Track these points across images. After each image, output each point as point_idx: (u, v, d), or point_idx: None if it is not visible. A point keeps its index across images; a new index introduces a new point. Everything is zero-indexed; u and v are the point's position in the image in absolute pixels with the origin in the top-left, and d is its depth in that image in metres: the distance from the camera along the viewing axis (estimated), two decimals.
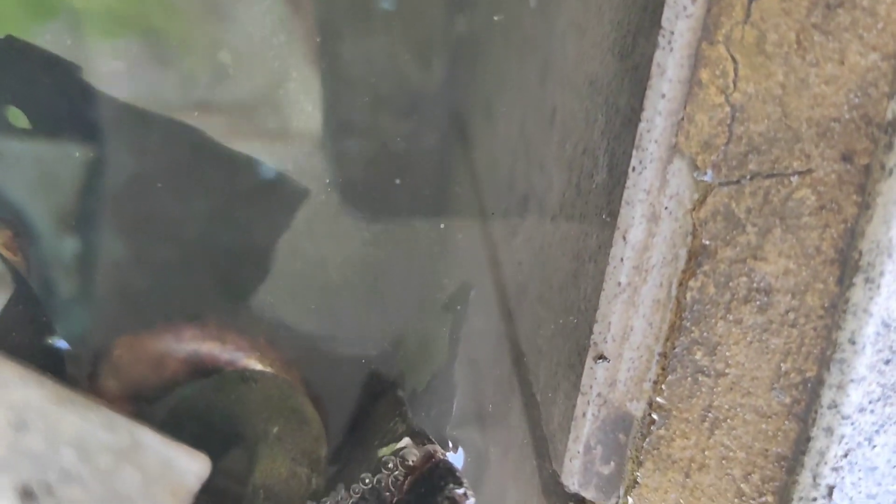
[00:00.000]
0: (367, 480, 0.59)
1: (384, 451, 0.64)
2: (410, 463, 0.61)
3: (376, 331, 0.87)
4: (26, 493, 0.37)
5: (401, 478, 0.60)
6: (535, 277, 0.81)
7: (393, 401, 0.74)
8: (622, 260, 0.61)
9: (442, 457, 0.62)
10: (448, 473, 0.57)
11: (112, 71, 0.84)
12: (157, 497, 0.38)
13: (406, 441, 0.64)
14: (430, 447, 0.62)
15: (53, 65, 0.78)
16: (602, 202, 0.63)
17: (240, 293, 0.86)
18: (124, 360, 0.87)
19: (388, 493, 0.58)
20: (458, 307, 0.84)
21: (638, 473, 0.64)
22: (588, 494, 0.65)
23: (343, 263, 0.90)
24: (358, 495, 0.60)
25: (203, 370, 0.81)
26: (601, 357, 0.62)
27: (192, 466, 0.38)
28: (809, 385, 0.58)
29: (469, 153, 0.97)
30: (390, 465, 0.62)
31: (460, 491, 0.55)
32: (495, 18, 0.93)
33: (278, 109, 0.93)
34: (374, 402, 0.77)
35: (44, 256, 0.93)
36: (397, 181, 0.94)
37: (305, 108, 0.93)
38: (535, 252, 0.82)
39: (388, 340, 0.87)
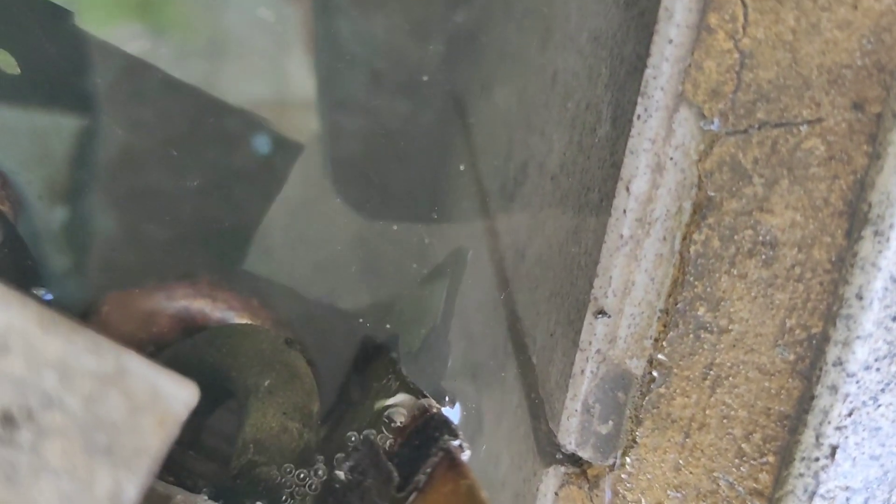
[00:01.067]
0: (353, 438, 0.57)
1: (378, 406, 0.63)
2: (405, 418, 0.59)
3: (370, 294, 0.85)
4: (6, 419, 0.36)
5: (394, 433, 0.59)
6: (535, 240, 0.79)
7: (386, 360, 0.73)
8: (625, 212, 0.59)
9: (437, 410, 0.60)
10: (443, 425, 0.56)
11: (108, 46, 0.83)
12: (142, 425, 0.36)
13: (400, 396, 0.63)
14: (424, 401, 0.61)
15: (50, 28, 0.77)
16: (605, 154, 0.62)
17: (233, 253, 0.84)
18: (113, 317, 0.85)
19: (381, 448, 0.57)
20: (453, 271, 0.82)
21: (637, 433, 0.62)
22: (585, 454, 0.63)
23: (339, 232, 0.89)
24: (350, 450, 0.58)
25: (193, 328, 0.80)
26: (601, 312, 0.60)
27: (181, 394, 0.37)
28: (814, 342, 0.56)
29: (467, 128, 0.95)
30: (385, 420, 0.60)
31: (456, 443, 0.53)
32: None
33: (275, 88, 0.91)
34: (368, 363, 0.75)
35: (34, 226, 0.91)
36: (394, 158, 0.93)
37: (302, 86, 0.91)
38: (535, 214, 0.80)
39: (382, 303, 0.85)
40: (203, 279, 0.85)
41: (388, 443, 0.59)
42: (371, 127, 0.94)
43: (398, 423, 0.59)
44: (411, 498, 0.53)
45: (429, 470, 0.53)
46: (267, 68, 0.90)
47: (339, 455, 0.60)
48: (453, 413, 0.73)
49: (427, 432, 0.56)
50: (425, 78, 0.93)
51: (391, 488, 0.54)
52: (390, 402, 0.62)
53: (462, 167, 0.94)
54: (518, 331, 0.80)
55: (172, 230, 0.88)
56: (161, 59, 0.82)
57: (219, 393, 0.74)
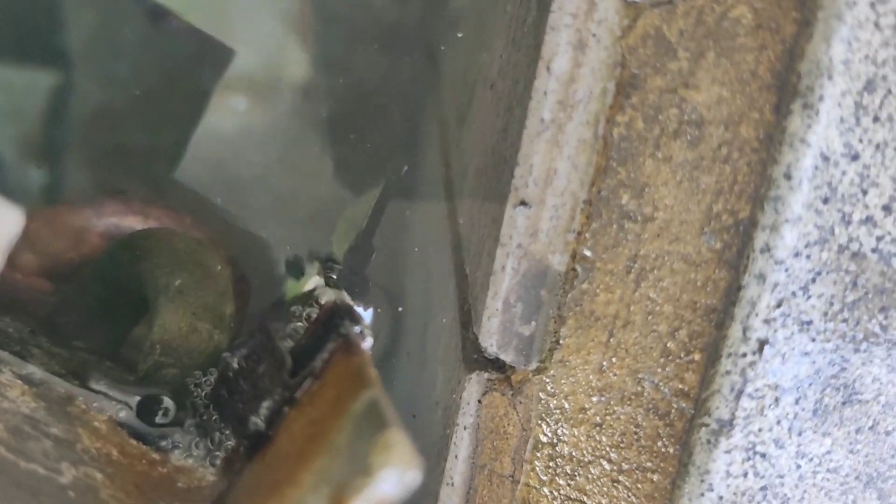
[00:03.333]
0: (255, 334, 0.54)
1: (292, 300, 0.60)
2: (319, 307, 0.56)
3: (309, 214, 0.82)
4: None
5: (303, 325, 0.55)
6: (475, 154, 0.75)
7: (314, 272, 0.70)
8: (545, 94, 0.55)
9: (344, 301, 0.56)
10: (345, 313, 0.52)
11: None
12: None
13: (314, 281, 0.59)
14: (337, 294, 0.57)
15: None
16: (531, 41, 0.58)
17: (167, 166, 0.81)
18: (42, 234, 0.82)
19: (275, 334, 0.54)
20: (384, 188, 0.79)
21: (560, 333, 0.59)
22: (507, 358, 0.60)
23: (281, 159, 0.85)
24: (246, 337, 0.55)
25: None
26: (522, 203, 0.57)
27: (6, 216, 0.33)
28: (741, 227, 0.53)
29: (438, 78, 0.92)
30: (296, 315, 0.57)
31: (357, 329, 0.50)
32: None
33: (250, 44, 0.88)
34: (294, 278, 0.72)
35: (8, 185, 0.89)
36: (369, 115, 0.90)
37: (280, 42, 0.88)
38: (477, 128, 0.76)
39: (320, 225, 0.81)
40: (134, 196, 0.82)
41: (297, 329, 0.56)
42: (348, 83, 0.91)
43: (319, 308, 0.56)
44: (306, 383, 0.49)
45: (326, 355, 0.49)
46: (246, 26, 0.87)
47: (236, 342, 0.56)
48: (366, 314, 0.70)
49: (331, 321, 0.53)
50: (402, 32, 0.90)
51: (284, 373, 0.51)
52: (305, 291, 0.59)
53: (432, 117, 0.91)
54: (458, 248, 0.77)
55: (105, 143, 0.85)
56: None
57: (137, 306, 0.70)
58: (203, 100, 0.78)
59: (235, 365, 0.55)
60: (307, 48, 0.86)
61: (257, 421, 0.51)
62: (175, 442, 0.57)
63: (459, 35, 0.91)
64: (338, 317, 0.53)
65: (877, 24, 0.49)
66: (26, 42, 0.86)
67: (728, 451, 0.56)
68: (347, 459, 0.39)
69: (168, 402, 0.59)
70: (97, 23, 0.86)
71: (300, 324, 0.57)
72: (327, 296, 0.59)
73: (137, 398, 0.59)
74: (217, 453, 0.56)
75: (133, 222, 0.81)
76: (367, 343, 0.53)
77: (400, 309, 0.75)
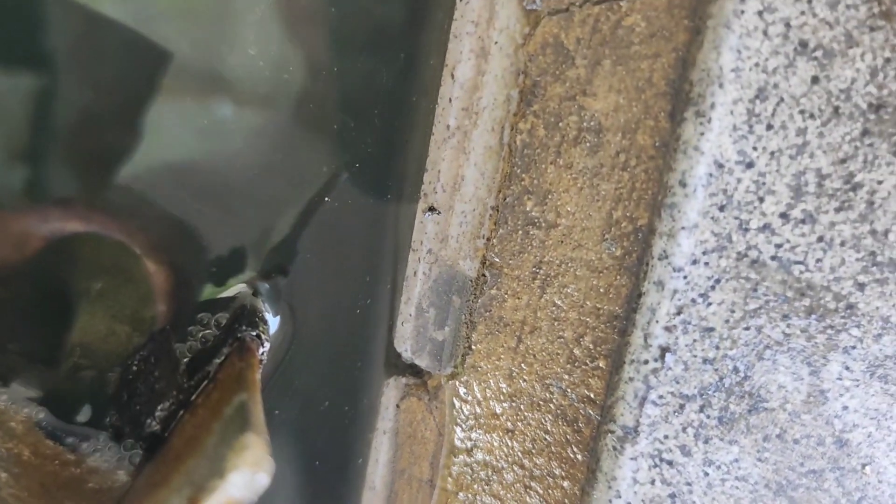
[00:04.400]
0: (155, 336, 0.56)
1: (202, 305, 0.61)
2: (228, 313, 0.58)
3: (247, 224, 0.83)
4: None
5: (213, 331, 0.57)
6: (414, 159, 0.77)
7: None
8: (451, 101, 0.57)
9: (248, 304, 0.58)
10: (246, 318, 0.54)
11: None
12: None
13: (238, 288, 0.61)
14: (250, 299, 0.59)
15: None
16: (441, 48, 0.59)
17: (113, 175, 0.83)
18: None
19: (172, 338, 0.55)
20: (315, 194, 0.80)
21: (472, 338, 0.60)
22: (422, 363, 0.61)
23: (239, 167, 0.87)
24: (146, 341, 0.57)
25: None
26: (431, 209, 0.58)
27: None
28: (640, 234, 0.54)
29: (414, 84, 0.94)
30: (204, 321, 0.59)
31: (253, 333, 0.51)
32: None
33: (233, 45, 0.90)
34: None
35: None
36: (350, 118, 0.91)
37: (263, 41, 0.90)
38: (419, 135, 0.78)
39: (259, 234, 0.83)
40: (77, 203, 0.84)
41: (206, 333, 0.58)
42: (333, 85, 0.92)
43: (229, 313, 0.58)
44: (203, 385, 0.51)
45: (221, 358, 0.51)
46: (224, 25, 0.89)
47: (137, 345, 0.58)
48: (272, 322, 0.71)
49: (231, 325, 0.54)
50: (387, 37, 0.92)
51: (178, 376, 0.52)
52: (228, 293, 0.60)
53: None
54: (385, 258, 0.79)
55: (50, 151, 0.87)
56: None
57: (66, 307, 0.73)
58: (149, 108, 0.80)
59: (134, 368, 0.57)
60: (296, 53, 0.87)
61: (152, 423, 0.53)
62: (94, 445, 0.59)
63: (417, 43, 0.93)
64: (238, 322, 0.55)
65: (766, 33, 0.50)
66: (10, 45, 0.88)
67: (634, 458, 0.57)
68: (210, 461, 0.40)
69: (86, 403, 0.60)
70: (79, 28, 0.88)
71: (209, 330, 0.59)
72: (239, 302, 0.61)
73: (57, 400, 0.61)
74: (130, 454, 0.58)
75: (75, 227, 0.83)
76: (264, 348, 0.54)
77: (324, 315, 0.77)
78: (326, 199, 0.76)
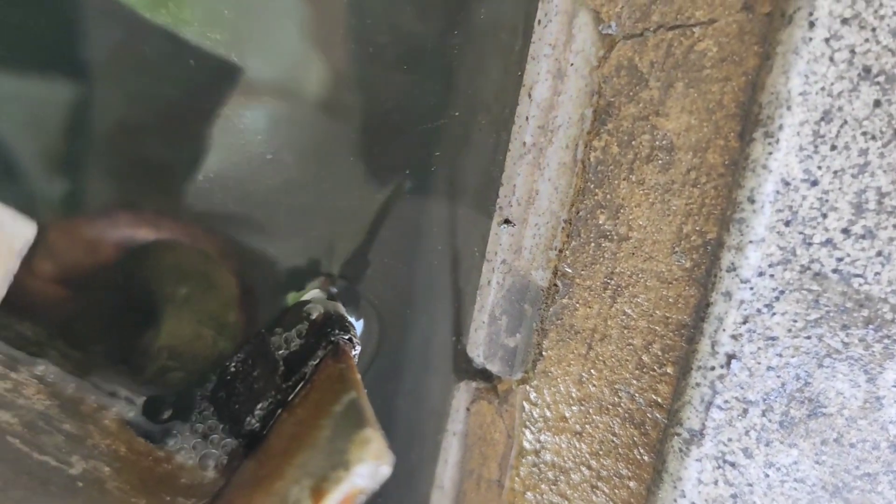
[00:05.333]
0: (251, 340, 0.60)
1: (294, 300, 0.65)
2: (313, 317, 0.62)
3: (318, 230, 0.88)
4: None
5: (300, 332, 0.61)
6: (471, 174, 0.82)
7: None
8: (527, 119, 0.61)
9: (336, 311, 0.63)
10: (336, 322, 0.58)
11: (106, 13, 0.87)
12: None
13: (313, 293, 0.65)
14: (332, 305, 0.63)
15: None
16: (516, 69, 0.64)
17: (179, 184, 0.87)
18: (59, 244, 0.89)
19: (270, 340, 0.60)
20: (385, 203, 0.85)
21: (543, 345, 0.64)
22: (493, 368, 0.66)
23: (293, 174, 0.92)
24: (243, 344, 0.61)
25: None
26: (506, 221, 0.63)
27: (20, 230, 0.40)
28: (709, 248, 0.58)
29: (451, 100, 0.98)
30: (304, 315, 0.63)
31: (346, 337, 0.56)
32: None
33: (272, 58, 0.94)
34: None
35: (28, 196, 0.95)
36: (386, 130, 0.95)
37: (301, 57, 0.94)
38: (476, 149, 0.83)
39: (325, 241, 0.88)
40: (147, 208, 0.89)
41: (291, 336, 0.62)
42: (367, 99, 0.96)
43: (314, 317, 0.62)
44: (298, 386, 0.55)
45: (316, 361, 0.56)
46: (267, 43, 0.93)
47: (227, 349, 0.63)
48: (357, 325, 0.75)
49: (323, 329, 0.59)
50: (424, 55, 0.96)
51: (277, 377, 0.57)
52: (306, 297, 0.65)
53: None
54: (456, 264, 0.83)
55: (125, 156, 0.91)
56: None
57: (147, 314, 0.77)
58: (216, 118, 0.84)
59: (233, 368, 0.61)
60: (328, 65, 0.92)
61: (252, 421, 0.57)
62: (180, 442, 0.64)
63: (466, 61, 0.97)
64: (328, 326, 0.59)
65: (832, 59, 0.54)
66: (50, 53, 0.93)
67: (699, 460, 0.61)
68: (327, 454, 0.45)
69: (174, 403, 0.65)
70: (119, 38, 0.93)
71: (295, 332, 0.63)
72: (321, 307, 0.65)
73: (144, 399, 0.66)
74: (216, 452, 0.62)
75: (145, 234, 0.88)
76: (356, 351, 0.58)
77: (397, 320, 0.81)
78: (401, 211, 0.80)
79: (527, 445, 0.65)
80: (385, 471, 0.43)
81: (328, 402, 0.49)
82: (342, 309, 0.66)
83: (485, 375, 0.66)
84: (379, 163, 0.88)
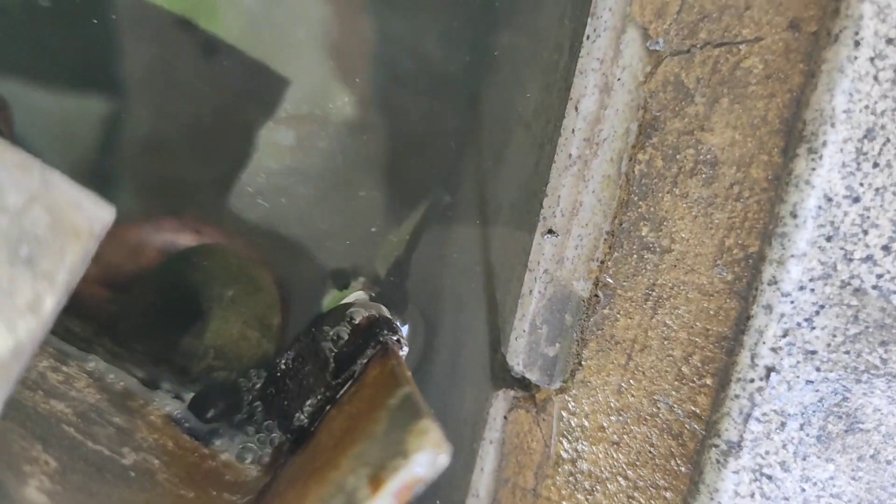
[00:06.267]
0: (301, 338, 0.63)
1: (338, 302, 0.68)
2: (362, 317, 0.64)
3: (350, 241, 0.91)
4: None
5: (344, 334, 0.64)
6: (509, 189, 0.84)
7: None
8: (573, 131, 0.64)
9: (384, 314, 0.65)
10: (385, 324, 0.61)
11: (140, 30, 0.90)
12: (62, 240, 0.42)
13: (357, 295, 0.68)
14: (377, 307, 0.66)
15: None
16: (562, 84, 0.67)
17: (220, 193, 0.90)
18: (104, 248, 0.92)
19: (320, 339, 0.62)
20: (425, 214, 0.87)
21: (582, 355, 0.66)
22: (533, 377, 0.68)
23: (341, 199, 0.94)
24: (293, 342, 0.64)
25: None
26: (550, 231, 0.65)
27: (99, 212, 0.42)
28: (751, 261, 0.60)
29: (476, 120, 1.01)
30: (347, 318, 0.66)
31: (394, 338, 0.58)
32: None
33: (300, 81, 0.97)
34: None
35: None
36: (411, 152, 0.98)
37: (327, 82, 0.97)
38: (512, 165, 0.85)
39: (364, 249, 0.90)
40: (189, 214, 0.92)
41: (338, 337, 0.64)
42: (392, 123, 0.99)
43: (357, 322, 0.64)
44: (348, 384, 0.58)
45: (365, 360, 0.58)
46: (296, 64, 0.96)
47: (284, 345, 0.65)
48: (402, 328, 0.78)
49: (371, 331, 0.61)
50: (446, 78, 0.98)
51: (327, 374, 0.59)
52: (349, 300, 0.67)
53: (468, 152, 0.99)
54: (490, 275, 0.85)
55: (158, 171, 0.94)
56: None
57: (189, 315, 0.80)
58: (255, 130, 0.87)
59: (283, 366, 0.64)
60: (355, 87, 0.95)
61: (301, 417, 0.59)
62: (225, 440, 0.66)
63: (496, 80, 1.00)
64: (377, 327, 0.61)
65: (876, 78, 0.57)
66: (83, 69, 0.96)
67: (736, 472, 0.63)
68: (384, 446, 0.47)
69: (219, 401, 0.67)
70: (153, 54, 0.96)
71: (344, 329, 0.66)
72: (367, 309, 0.67)
73: (191, 395, 0.68)
74: (261, 452, 0.65)
75: (187, 239, 0.91)
76: (404, 352, 0.61)
77: (433, 327, 0.83)
78: (443, 218, 0.83)
79: (563, 455, 0.67)
80: (443, 460, 0.45)
81: (382, 396, 0.51)
82: (386, 311, 0.68)
83: (523, 384, 0.68)
84: (416, 177, 0.91)
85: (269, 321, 0.71)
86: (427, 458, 0.44)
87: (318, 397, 0.59)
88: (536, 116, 0.78)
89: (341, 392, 0.58)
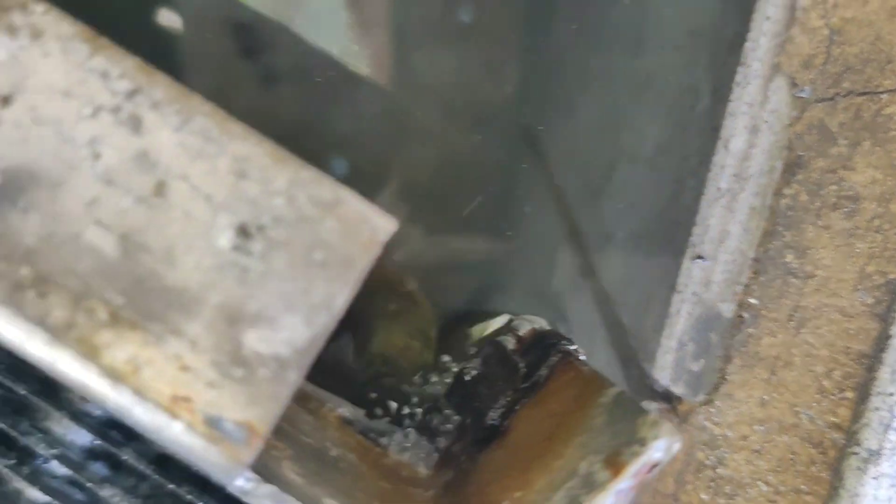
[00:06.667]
0: (486, 348, 0.70)
1: (484, 330, 0.75)
2: (521, 334, 0.71)
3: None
4: (243, 231, 0.48)
5: (510, 343, 0.71)
6: (625, 221, 0.90)
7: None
8: (723, 167, 0.72)
9: (546, 327, 0.72)
10: (556, 336, 0.68)
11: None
12: (352, 245, 0.48)
13: (502, 320, 0.75)
14: (538, 321, 0.73)
15: None
16: (704, 124, 0.75)
17: None
18: None
19: (507, 346, 0.69)
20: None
21: (726, 370, 0.73)
22: (678, 390, 0.75)
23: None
24: (479, 350, 0.71)
25: None
26: (699, 256, 0.73)
27: (383, 224, 0.48)
28: (891, 286, 0.68)
29: (540, 157, 1.05)
30: (511, 329, 0.72)
31: (573, 347, 0.65)
32: (573, 27, 0.96)
33: (348, 115, 0.97)
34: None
35: None
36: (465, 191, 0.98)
37: (375, 113, 0.97)
38: (627, 199, 0.91)
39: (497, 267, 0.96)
40: None
41: (509, 348, 0.71)
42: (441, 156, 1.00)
43: (521, 333, 0.71)
44: (534, 388, 0.65)
45: (549, 368, 0.65)
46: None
47: (470, 352, 0.72)
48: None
49: (544, 343, 0.68)
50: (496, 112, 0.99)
51: (517, 379, 0.66)
52: (503, 320, 0.74)
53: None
54: (605, 300, 0.92)
55: None
56: None
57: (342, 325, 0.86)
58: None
59: (474, 371, 0.71)
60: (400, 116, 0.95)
61: (494, 416, 0.66)
62: (392, 441, 0.72)
63: (574, 122, 1.04)
64: (549, 338, 0.69)
65: None
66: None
67: (876, 478, 0.70)
68: (610, 435, 0.53)
69: (390, 404, 0.74)
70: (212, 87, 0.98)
71: (509, 340, 0.72)
72: (531, 322, 0.74)
73: (360, 401, 0.75)
74: (429, 454, 0.71)
75: None
76: (583, 359, 0.68)
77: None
78: (601, 244, 0.89)
79: (705, 462, 0.73)
80: (678, 446, 0.51)
81: (589, 395, 0.58)
82: (546, 323, 0.75)
83: (665, 397, 0.75)
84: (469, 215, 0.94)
85: (428, 333, 0.78)
86: (665, 444, 0.51)
87: (508, 399, 0.66)
88: (660, 149, 0.85)
89: (529, 395, 0.65)
